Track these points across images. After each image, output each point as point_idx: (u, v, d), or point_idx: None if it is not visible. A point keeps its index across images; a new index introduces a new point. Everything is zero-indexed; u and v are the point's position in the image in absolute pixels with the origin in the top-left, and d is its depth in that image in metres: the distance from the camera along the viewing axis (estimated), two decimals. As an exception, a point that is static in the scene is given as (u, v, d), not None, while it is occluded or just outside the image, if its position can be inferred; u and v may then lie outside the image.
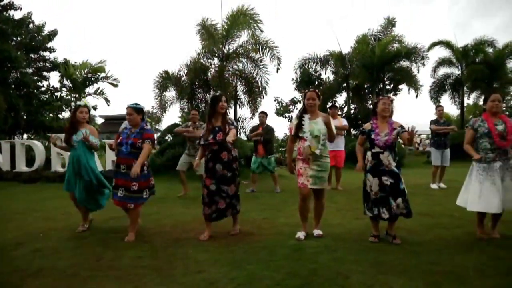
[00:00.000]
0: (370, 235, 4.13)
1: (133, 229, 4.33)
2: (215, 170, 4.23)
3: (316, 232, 4.30)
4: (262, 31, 12.80)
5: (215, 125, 4.30)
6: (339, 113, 18.73)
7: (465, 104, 21.75)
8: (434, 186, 8.11)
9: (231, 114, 13.00)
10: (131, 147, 4.23)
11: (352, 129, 18.70)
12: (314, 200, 4.35)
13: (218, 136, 4.19)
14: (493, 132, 4.03)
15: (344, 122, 8.07)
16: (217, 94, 4.72)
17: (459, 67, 19.59)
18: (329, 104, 9.29)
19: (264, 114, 8.09)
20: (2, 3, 15.82)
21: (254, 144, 8.20)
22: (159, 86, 13.35)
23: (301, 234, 4.24)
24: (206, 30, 12.56)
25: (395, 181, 3.96)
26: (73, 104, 17.29)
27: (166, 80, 13.33)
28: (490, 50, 19.08)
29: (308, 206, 4.30)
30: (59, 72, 17.29)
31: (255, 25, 12.56)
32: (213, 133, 4.23)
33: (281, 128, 46.34)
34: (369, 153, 4.12)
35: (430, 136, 8.81)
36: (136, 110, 4.35)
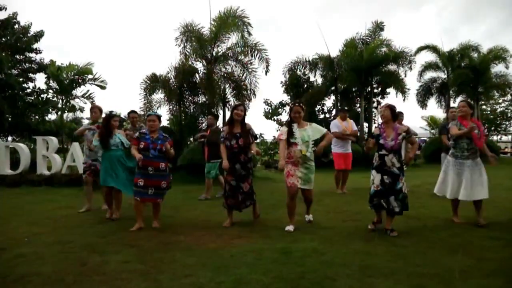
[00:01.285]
0: (371, 222, 4.73)
1: (157, 217, 5.10)
2: (234, 168, 4.93)
3: (307, 218, 5.15)
4: (251, 34, 12.77)
5: (235, 131, 4.97)
6: (328, 115, 19.00)
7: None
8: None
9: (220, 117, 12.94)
10: (159, 152, 4.88)
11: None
12: (304, 197, 4.99)
13: (240, 141, 4.91)
14: (473, 134, 4.68)
15: (354, 126, 8.13)
16: (236, 104, 5.33)
17: (445, 71, 19.86)
18: (339, 108, 9.33)
19: (213, 117, 8.04)
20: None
21: (202, 148, 8.05)
22: (146, 88, 13.22)
23: (290, 227, 4.71)
24: (194, 34, 12.49)
25: (393, 181, 4.48)
26: (59, 105, 17.03)
27: (154, 83, 13.21)
28: (475, 55, 19.40)
29: (295, 204, 4.82)
30: (46, 73, 17.03)
31: (244, 27, 12.52)
32: (235, 138, 4.92)
33: (270, 131, 46.38)
34: (376, 154, 4.64)
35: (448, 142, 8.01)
36: (158, 117, 5.11)
